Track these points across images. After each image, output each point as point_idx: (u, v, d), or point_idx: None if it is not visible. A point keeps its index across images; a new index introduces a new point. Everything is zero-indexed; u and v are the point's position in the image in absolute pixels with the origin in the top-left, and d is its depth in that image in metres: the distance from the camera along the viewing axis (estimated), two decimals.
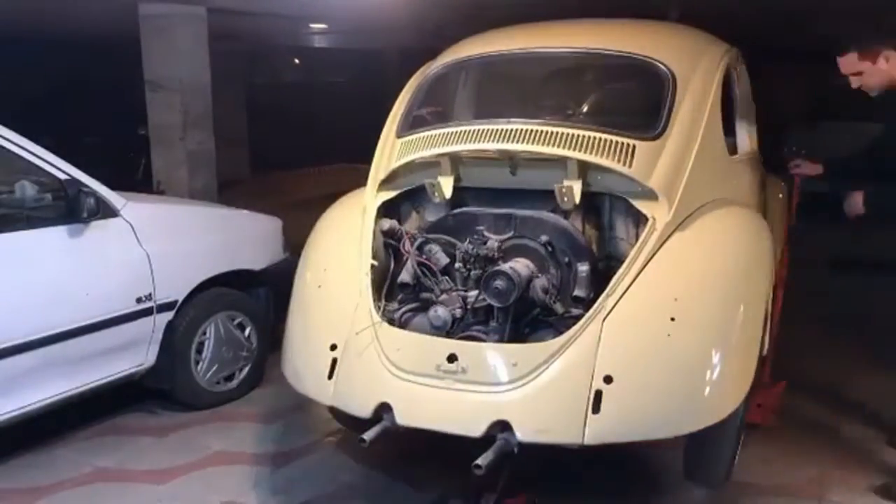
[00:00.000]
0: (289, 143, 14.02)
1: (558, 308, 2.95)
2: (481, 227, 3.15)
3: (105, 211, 3.79)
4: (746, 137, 4.17)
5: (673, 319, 2.69)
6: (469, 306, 2.96)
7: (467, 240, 3.10)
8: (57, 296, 3.57)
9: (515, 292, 2.82)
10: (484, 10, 7.89)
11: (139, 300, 3.86)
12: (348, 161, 11.11)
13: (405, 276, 3.14)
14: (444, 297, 3.03)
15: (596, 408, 2.60)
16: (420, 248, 3.15)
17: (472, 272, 3.05)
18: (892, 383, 4.19)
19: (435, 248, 3.15)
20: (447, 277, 3.12)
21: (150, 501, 3.45)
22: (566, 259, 3.03)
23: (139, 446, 3.93)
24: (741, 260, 3.02)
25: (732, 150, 4.00)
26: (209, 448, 3.89)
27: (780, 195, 5.11)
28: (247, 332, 4.44)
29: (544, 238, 3.03)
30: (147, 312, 3.90)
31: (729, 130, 3.87)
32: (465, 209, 3.28)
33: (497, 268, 2.88)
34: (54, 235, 3.63)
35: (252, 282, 4.50)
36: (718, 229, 3.09)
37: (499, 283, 2.82)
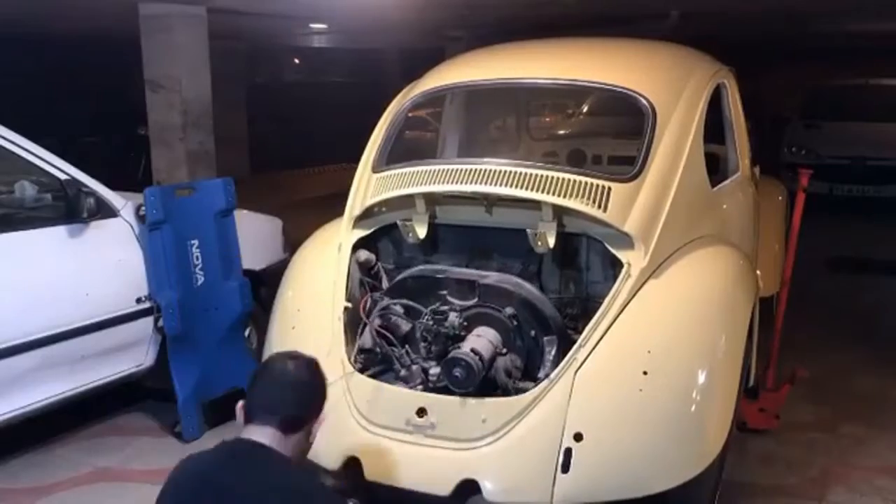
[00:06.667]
0: (289, 143, 14.05)
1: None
2: (443, 292, 2.99)
3: (105, 211, 3.79)
4: (737, 158, 4.03)
5: (646, 373, 2.58)
6: (431, 384, 2.84)
7: (428, 310, 2.94)
8: (57, 296, 3.57)
9: (476, 378, 2.68)
10: (481, 10, 7.91)
11: (139, 300, 3.85)
12: (348, 161, 11.11)
13: (366, 341, 3.03)
14: (404, 372, 2.92)
15: (565, 467, 2.51)
16: (379, 316, 3.03)
17: (434, 347, 2.91)
18: (892, 383, 4.20)
19: (394, 316, 3.01)
20: (407, 348, 2.98)
21: (150, 501, 3.39)
22: (532, 332, 2.88)
23: (139, 446, 3.93)
24: (717, 307, 2.91)
25: (721, 172, 3.90)
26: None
27: (780, 198, 5.11)
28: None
29: (510, 311, 2.88)
30: (147, 312, 3.89)
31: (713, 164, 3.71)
32: (425, 270, 3.12)
33: (457, 353, 2.71)
34: (54, 235, 3.63)
35: (252, 281, 4.50)
36: (694, 275, 2.97)
37: (458, 371, 2.67)
